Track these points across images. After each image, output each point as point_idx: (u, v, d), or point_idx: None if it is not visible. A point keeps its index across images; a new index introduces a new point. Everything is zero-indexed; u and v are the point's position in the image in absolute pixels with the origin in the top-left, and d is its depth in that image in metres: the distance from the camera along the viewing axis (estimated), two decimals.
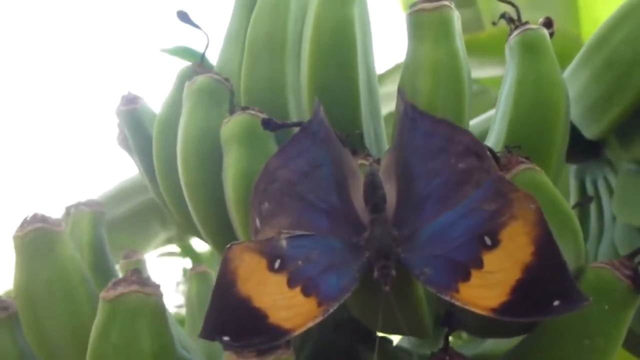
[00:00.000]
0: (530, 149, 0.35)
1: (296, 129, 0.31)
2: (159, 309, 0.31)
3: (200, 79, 0.37)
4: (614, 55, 0.41)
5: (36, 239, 0.36)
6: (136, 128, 0.46)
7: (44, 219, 0.37)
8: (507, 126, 0.36)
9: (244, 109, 0.33)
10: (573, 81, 0.46)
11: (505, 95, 0.37)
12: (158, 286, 0.31)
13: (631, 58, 0.41)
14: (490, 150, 0.31)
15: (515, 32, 0.37)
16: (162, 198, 0.46)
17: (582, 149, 0.54)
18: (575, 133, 0.51)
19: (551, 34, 0.40)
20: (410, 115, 0.30)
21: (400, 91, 0.31)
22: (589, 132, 0.47)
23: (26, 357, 0.37)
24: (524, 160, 0.32)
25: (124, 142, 0.50)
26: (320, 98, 0.32)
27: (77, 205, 0.49)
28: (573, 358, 0.33)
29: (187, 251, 1.66)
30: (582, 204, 0.54)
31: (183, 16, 0.41)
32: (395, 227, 0.28)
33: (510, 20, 0.38)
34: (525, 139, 0.35)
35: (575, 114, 0.48)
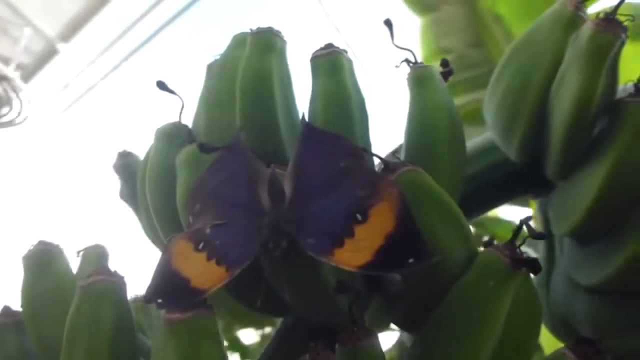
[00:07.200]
0: (422, 159, 0.43)
1: None
2: (121, 294, 0.39)
3: (164, 124, 0.48)
4: (508, 87, 0.50)
5: (38, 256, 0.46)
6: (128, 176, 0.56)
7: (45, 243, 0.47)
8: (405, 143, 0.44)
9: (191, 142, 0.43)
10: (487, 112, 0.54)
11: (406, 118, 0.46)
12: (122, 277, 0.40)
13: (520, 88, 0.49)
14: (381, 158, 0.40)
15: (409, 71, 0.46)
16: (148, 233, 0.55)
17: (541, 184, 0.61)
18: (531, 170, 0.58)
19: (449, 72, 0.49)
20: (305, 130, 0.39)
21: (302, 115, 0.41)
22: (512, 155, 0.54)
23: (28, 355, 0.45)
24: (408, 164, 0.40)
25: (122, 194, 0.61)
26: (247, 128, 0.42)
27: (86, 249, 0.60)
28: (465, 328, 0.39)
29: (234, 344, 1.71)
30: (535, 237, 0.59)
31: (162, 85, 0.53)
32: (289, 211, 0.36)
33: (409, 63, 0.47)
34: (418, 151, 0.44)
35: (497, 140, 0.55)
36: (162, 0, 3.16)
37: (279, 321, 0.53)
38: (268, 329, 1.82)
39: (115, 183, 0.62)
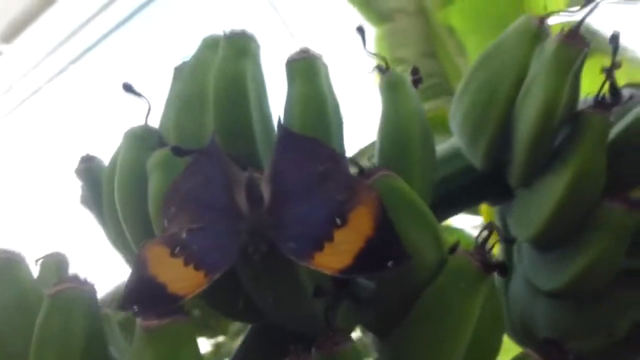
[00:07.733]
0: (395, 164, 0.44)
1: None
2: (93, 302, 0.38)
3: (134, 127, 0.47)
4: (475, 98, 0.51)
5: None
6: (92, 181, 0.54)
7: (5, 252, 0.45)
8: (378, 148, 0.45)
9: (163, 145, 0.43)
10: (453, 121, 0.56)
11: (378, 123, 0.46)
12: (93, 285, 0.39)
13: (487, 99, 0.51)
14: (358, 163, 0.41)
15: (382, 77, 0.47)
16: (114, 241, 0.54)
17: (500, 192, 0.62)
18: (493, 178, 0.59)
19: (419, 80, 0.50)
20: (283, 135, 0.39)
21: (278, 119, 0.41)
22: (476, 163, 0.56)
23: None
24: (383, 169, 0.41)
25: (84, 200, 0.59)
26: (221, 133, 0.42)
27: (45, 257, 0.57)
28: (437, 331, 0.40)
29: None
30: (506, 241, 0.60)
31: (127, 87, 0.51)
32: (267, 215, 0.36)
33: (380, 69, 0.48)
34: (390, 156, 0.45)
35: (463, 148, 0.57)
36: (112, 3, 3.08)
37: (232, 330, 0.52)
38: (221, 338, 1.80)
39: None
